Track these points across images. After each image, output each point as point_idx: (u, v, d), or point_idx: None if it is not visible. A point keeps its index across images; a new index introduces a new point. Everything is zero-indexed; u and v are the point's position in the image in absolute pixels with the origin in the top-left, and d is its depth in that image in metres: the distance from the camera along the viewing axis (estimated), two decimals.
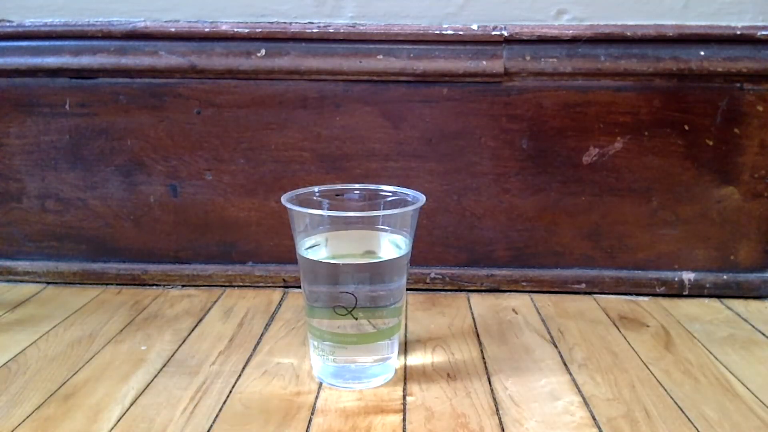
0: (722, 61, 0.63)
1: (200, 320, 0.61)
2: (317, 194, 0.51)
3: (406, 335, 0.57)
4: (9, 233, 0.71)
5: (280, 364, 0.52)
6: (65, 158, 0.68)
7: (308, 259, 0.47)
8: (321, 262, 0.47)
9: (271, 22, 0.65)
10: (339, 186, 0.53)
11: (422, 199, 0.48)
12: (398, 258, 0.47)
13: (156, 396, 0.47)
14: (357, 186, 0.52)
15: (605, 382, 0.49)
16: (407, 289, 0.52)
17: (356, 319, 0.46)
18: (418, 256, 0.68)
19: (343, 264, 0.47)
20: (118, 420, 0.44)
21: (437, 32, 0.63)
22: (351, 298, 0.46)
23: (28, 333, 0.58)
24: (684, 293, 0.68)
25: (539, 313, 0.63)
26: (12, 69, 0.66)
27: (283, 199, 0.47)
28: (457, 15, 0.65)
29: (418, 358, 0.53)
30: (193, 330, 0.59)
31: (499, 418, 0.44)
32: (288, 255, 0.69)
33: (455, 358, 0.53)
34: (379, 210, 0.51)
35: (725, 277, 0.68)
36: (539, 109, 0.65)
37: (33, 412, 0.45)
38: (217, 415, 0.44)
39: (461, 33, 0.63)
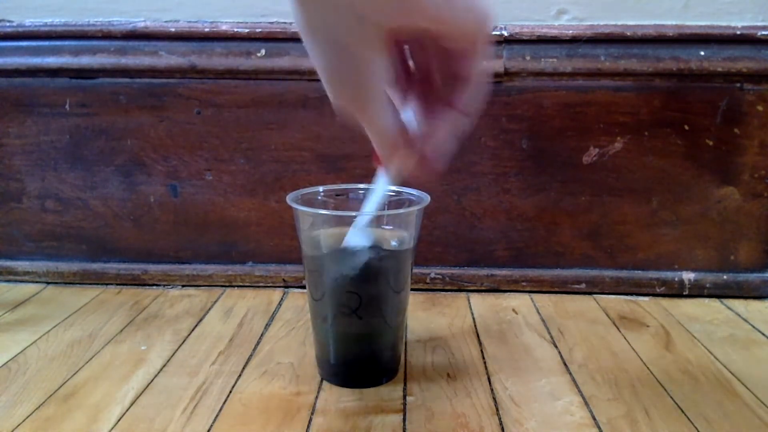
0: (722, 61, 0.63)
1: (200, 320, 0.61)
2: (322, 194, 0.51)
3: (406, 335, 0.57)
4: (9, 233, 0.71)
5: (280, 364, 0.52)
6: (65, 158, 0.68)
7: (314, 253, 0.47)
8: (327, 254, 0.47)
9: (271, 22, 0.65)
10: (343, 186, 0.53)
11: (427, 198, 0.48)
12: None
13: (156, 396, 0.47)
14: (361, 186, 0.52)
15: (605, 382, 0.49)
16: None
17: (360, 318, 0.46)
18: (418, 256, 0.68)
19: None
20: (118, 420, 0.44)
21: None
22: (355, 298, 0.45)
23: (28, 333, 0.58)
24: (684, 293, 0.68)
25: (539, 313, 0.63)
26: (12, 69, 0.66)
27: (288, 199, 0.47)
28: None
29: (418, 358, 0.53)
30: (193, 330, 0.59)
31: (499, 418, 0.44)
32: (288, 255, 0.69)
33: (455, 358, 0.53)
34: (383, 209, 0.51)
35: (725, 277, 0.68)
36: (539, 109, 0.65)
37: (33, 412, 0.45)
38: (217, 415, 0.44)
39: None
